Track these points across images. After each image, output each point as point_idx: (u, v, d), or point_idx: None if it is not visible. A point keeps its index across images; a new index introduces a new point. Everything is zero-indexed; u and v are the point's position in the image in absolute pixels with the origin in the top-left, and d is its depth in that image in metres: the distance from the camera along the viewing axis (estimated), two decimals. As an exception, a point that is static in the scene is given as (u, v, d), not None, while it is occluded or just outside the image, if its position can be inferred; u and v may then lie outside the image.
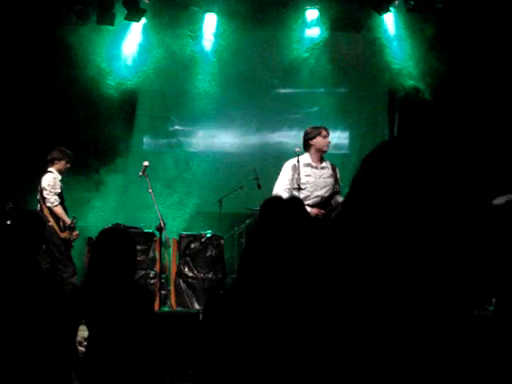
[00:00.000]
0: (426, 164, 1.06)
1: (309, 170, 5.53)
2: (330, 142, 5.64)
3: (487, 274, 1.05)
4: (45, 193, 6.30)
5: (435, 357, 1.03)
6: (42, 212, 6.29)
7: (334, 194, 5.59)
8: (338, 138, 8.50)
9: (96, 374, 2.95)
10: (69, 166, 6.60)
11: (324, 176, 5.61)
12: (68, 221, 6.39)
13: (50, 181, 6.34)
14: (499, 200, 6.05)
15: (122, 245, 3.06)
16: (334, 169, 5.71)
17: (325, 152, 5.63)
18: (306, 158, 5.62)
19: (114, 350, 2.94)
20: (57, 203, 6.32)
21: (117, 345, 2.95)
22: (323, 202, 5.54)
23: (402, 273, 1.02)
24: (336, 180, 5.68)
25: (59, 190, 6.42)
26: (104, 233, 3.20)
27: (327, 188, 5.59)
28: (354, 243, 1.07)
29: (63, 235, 6.33)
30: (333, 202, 5.60)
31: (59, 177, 6.48)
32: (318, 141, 5.52)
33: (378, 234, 1.04)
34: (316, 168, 5.58)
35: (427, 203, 1.03)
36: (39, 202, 6.42)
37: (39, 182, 6.41)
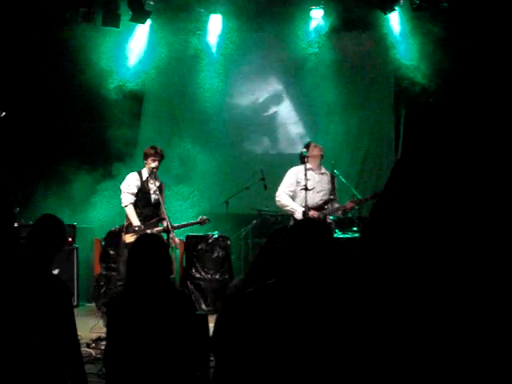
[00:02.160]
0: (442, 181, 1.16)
1: (309, 175, 6.09)
2: (321, 148, 6.34)
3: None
4: (121, 194, 6.07)
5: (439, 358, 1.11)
6: None
7: (330, 199, 6.28)
8: (344, 134, 8.50)
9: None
10: (156, 163, 6.07)
11: (322, 181, 6.30)
12: (136, 223, 5.93)
13: (128, 181, 6.07)
14: None
15: (159, 250, 3.07)
16: (332, 177, 6.40)
17: (322, 157, 6.31)
18: (307, 165, 6.20)
19: (156, 353, 2.93)
20: (127, 203, 5.99)
21: (159, 348, 2.94)
22: (319, 205, 6.21)
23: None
24: (333, 188, 6.36)
25: (135, 190, 6.03)
26: (141, 239, 3.17)
27: (323, 192, 6.27)
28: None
29: (124, 238, 5.98)
30: (328, 206, 6.25)
31: (145, 176, 6.10)
32: (312, 151, 6.24)
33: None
34: (315, 173, 6.26)
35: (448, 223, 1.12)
36: None
37: None
